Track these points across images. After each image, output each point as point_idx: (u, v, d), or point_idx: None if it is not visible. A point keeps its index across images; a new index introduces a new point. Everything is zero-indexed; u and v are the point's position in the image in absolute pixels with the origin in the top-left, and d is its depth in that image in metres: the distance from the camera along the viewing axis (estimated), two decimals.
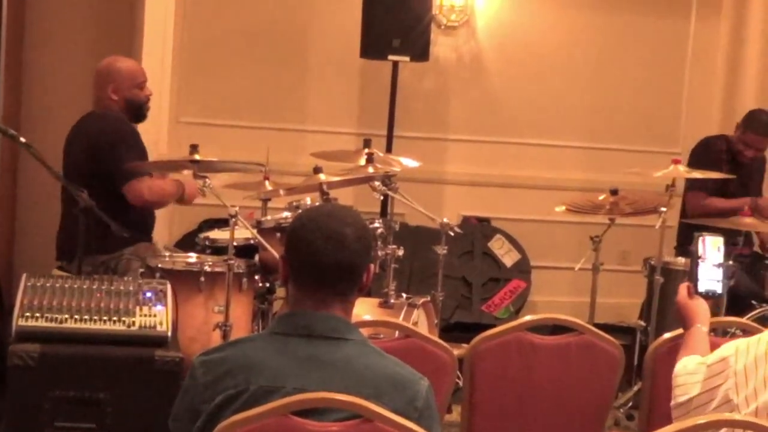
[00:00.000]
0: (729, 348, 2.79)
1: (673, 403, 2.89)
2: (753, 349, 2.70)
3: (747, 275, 6.09)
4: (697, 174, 5.72)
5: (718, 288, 3.33)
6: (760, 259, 6.36)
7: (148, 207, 5.27)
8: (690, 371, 2.87)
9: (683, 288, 3.26)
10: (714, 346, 2.94)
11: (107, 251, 5.00)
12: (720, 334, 4.44)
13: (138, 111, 5.36)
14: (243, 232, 4.86)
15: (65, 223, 5.19)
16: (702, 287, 3.29)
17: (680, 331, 3.23)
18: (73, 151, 5.22)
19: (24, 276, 4.08)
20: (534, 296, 7.73)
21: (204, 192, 4.76)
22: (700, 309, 3.19)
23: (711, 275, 3.33)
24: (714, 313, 3.42)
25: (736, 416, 2.65)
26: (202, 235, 5.32)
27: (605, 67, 7.91)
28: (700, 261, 3.34)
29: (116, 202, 4.97)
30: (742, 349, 2.73)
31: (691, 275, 3.31)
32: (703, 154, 6.36)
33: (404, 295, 5.16)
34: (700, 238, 3.37)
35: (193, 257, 4.99)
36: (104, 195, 4.79)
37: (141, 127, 5.37)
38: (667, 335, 3.51)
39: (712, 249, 3.37)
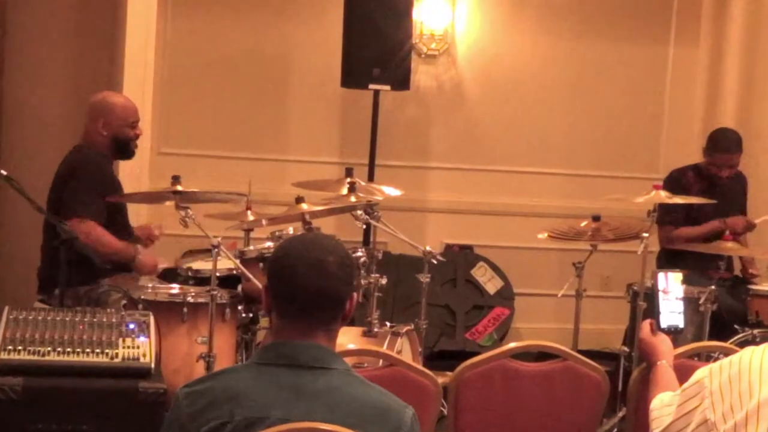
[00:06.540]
0: (703, 371, 2.81)
1: None
2: (726, 369, 2.72)
3: (730, 299, 6.09)
4: (678, 199, 5.74)
5: (680, 322, 3.38)
6: (741, 283, 6.37)
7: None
8: (666, 403, 2.90)
9: (646, 325, 3.31)
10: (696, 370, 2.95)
11: (86, 282, 4.98)
12: (704, 358, 4.45)
13: (125, 148, 5.33)
14: (226, 263, 4.86)
15: (45, 256, 5.16)
16: (664, 323, 3.34)
17: None
18: (53, 185, 5.21)
19: (6, 309, 4.06)
20: (517, 323, 7.73)
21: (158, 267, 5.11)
22: (664, 345, 3.25)
23: (673, 309, 3.37)
24: (683, 341, 3.46)
25: None
26: (185, 266, 5.32)
27: (585, 94, 7.94)
28: (661, 296, 3.38)
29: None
30: (716, 369, 2.76)
31: (654, 311, 3.35)
32: (670, 186, 6.36)
33: (388, 323, 5.15)
34: (661, 274, 3.41)
35: (175, 288, 4.98)
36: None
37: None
38: None
39: (673, 284, 3.42)
